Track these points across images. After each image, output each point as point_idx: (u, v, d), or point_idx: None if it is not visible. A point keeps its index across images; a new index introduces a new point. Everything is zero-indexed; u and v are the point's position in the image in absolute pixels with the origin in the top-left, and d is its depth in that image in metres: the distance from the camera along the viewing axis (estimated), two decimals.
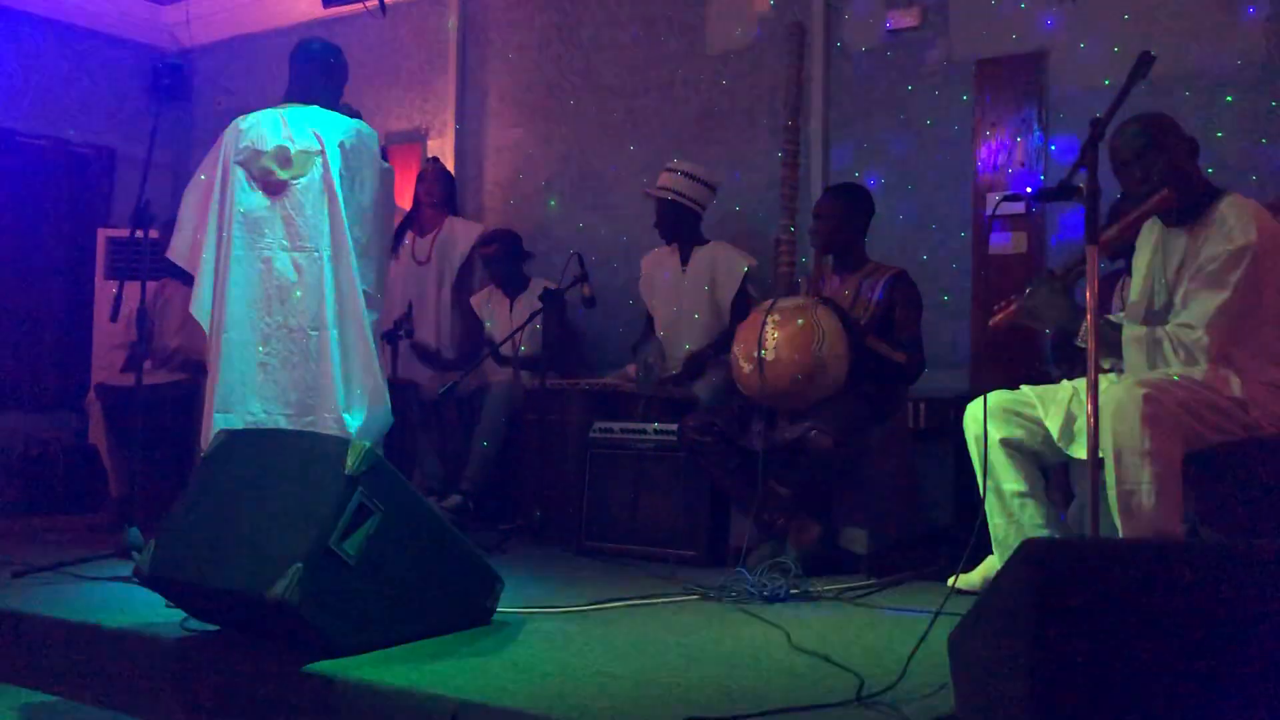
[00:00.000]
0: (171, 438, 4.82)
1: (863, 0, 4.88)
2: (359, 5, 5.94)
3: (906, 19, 4.75)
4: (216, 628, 2.68)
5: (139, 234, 4.01)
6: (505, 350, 4.94)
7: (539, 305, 4.54)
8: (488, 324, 5.24)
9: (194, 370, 4.87)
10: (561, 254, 4.68)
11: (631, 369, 4.70)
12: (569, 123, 5.72)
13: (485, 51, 6.01)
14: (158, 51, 7.01)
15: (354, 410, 3.63)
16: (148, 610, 2.82)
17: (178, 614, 2.73)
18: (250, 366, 3.63)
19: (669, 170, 4.69)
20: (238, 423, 3.56)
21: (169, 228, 5.21)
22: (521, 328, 4.72)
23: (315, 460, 2.56)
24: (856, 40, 4.89)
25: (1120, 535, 2.64)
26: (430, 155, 5.82)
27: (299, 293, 3.63)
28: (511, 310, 5.16)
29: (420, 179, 5.47)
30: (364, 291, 3.68)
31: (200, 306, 3.75)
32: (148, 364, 4.73)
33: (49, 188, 6.48)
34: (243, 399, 3.61)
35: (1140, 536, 2.59)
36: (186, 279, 5.12)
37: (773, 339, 3.61)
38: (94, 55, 6.83)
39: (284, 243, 3.66)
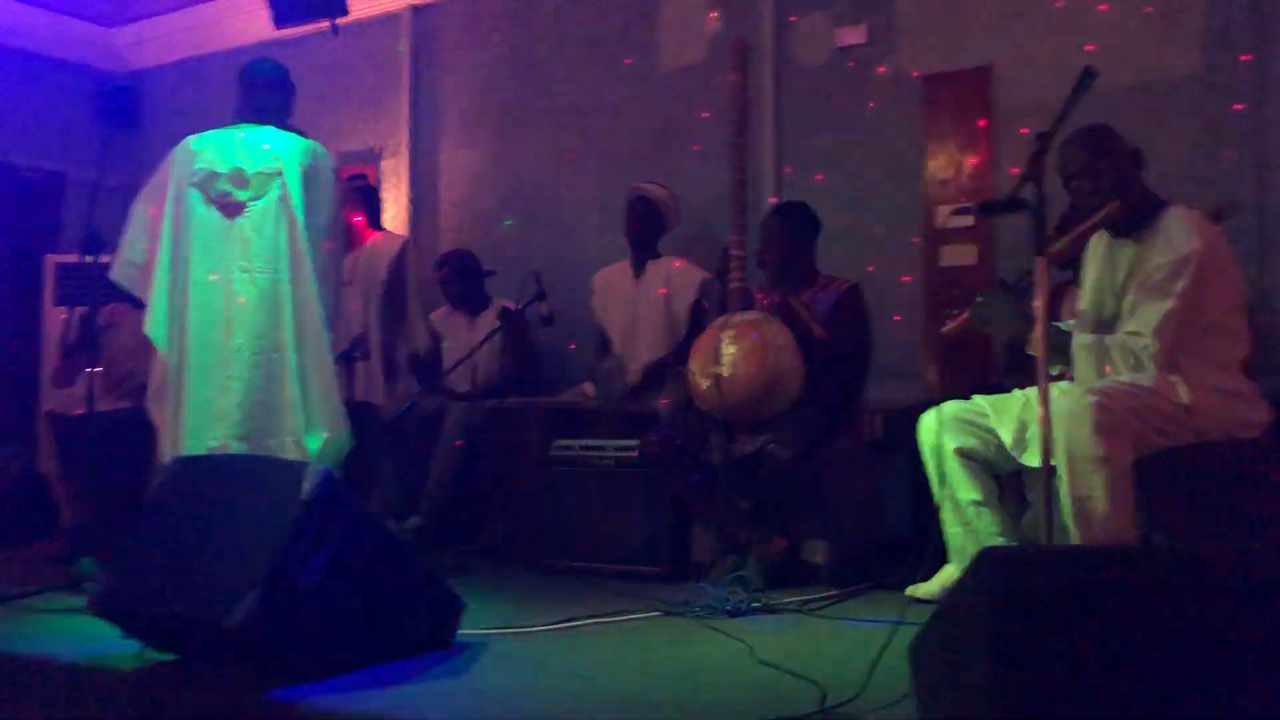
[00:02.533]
0: (123, 465, 4.73)
1: (812, 17, 4.93)
2: (311, 26, 5.92)
3: (855, 36, 4.81)
4: (174, 657, 2.64)
5: (89, 259, 3.95)
6: (464, 370, 4.91)
7: (498, 324, 4.53)
8: (445, 344, 5.22)
9: (144, 396, 4.80)
10: (518, 273, 4.69)
11: (589, 386, 4.71)
12: (523, 142, 5.73)
13: (438, 72, 6.01)
14: (107, 74, 6.94)
15: (314, 433, 3.59)
16: (103, 642, 2.77)
17: (134, 645, 2.69)
18: (212, 390, 3.58)
19: (652, 184, 4.82)
20: (200, 447, 3.52)
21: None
22: (478, 347, 4.70)
23: (271, 486, 2.54)
24: (806, 57, 4.94)
25: (1074, 541, 2.68)
26: (353, 174, 5.73)
27: (259, 315, 3.59)
28: (470, 330, 5.14)
29: (342, 200, 5.37)
30: (323, 312, 3.65)
31: (155, 326, 3.67)
32: (97, 391, 4.66)
33: None
34: (205, 425, 3.56)
35: (1094, 542, 2.63)
36: (136, 303, 5.09)
37: (728, 355, 3.63)
38: (42, 78, 6.74)
39: (243, 264, 3.60)
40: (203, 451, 3.49)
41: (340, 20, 5.67)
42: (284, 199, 3.62)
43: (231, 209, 3.63)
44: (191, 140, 3.76)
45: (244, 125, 3.75)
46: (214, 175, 3.65)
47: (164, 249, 3.67)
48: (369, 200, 5.36)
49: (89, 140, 6.71)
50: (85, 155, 6.58)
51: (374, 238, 5.21)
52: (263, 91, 3.82)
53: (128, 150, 6.90)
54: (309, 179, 3.66)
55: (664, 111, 5.31)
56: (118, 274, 3.78)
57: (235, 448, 3.51)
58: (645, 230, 4.78)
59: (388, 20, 6.14)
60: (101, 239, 4.02)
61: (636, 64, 5.39)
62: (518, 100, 5.75)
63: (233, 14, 6.44)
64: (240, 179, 3.64)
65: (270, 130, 3.72)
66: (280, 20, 5.78)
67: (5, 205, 6.42)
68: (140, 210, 3.78)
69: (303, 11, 5.75)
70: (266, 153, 3.65)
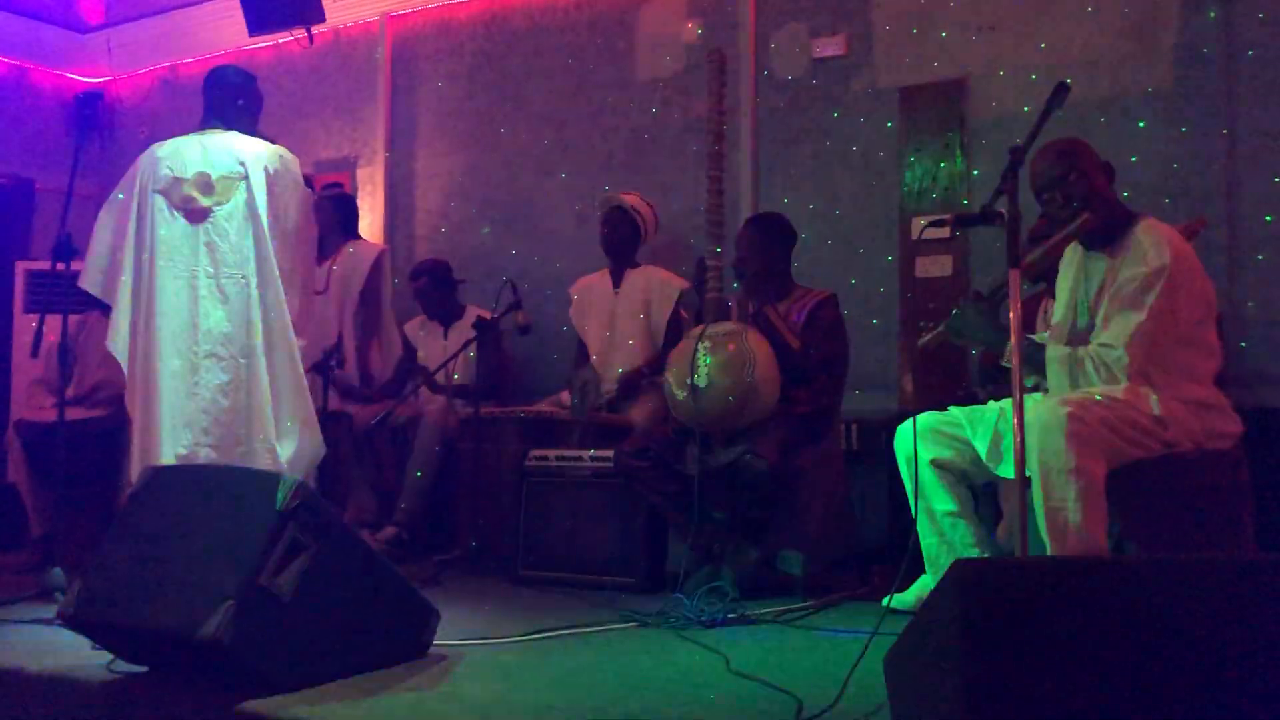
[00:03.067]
0: (94, 475, 4.69)
1: (789, 29, 4.96)
2: (285, 34, 5.90)
3: (832, 47, 4.84)
4: (146, 669, 2.61)
5: (60, 267, 3.92)
6: (438, 379, 4.91)
7: (473, 334, 4.52)
8: (420, 352, 5.21)
9: (116, 405, 4.77)
10: (495, 281, 4.68)
11: (565, 396, 4.71)
12: (500, 150, 5.73)
13: (415, 80, 6.00)
14: (78, 81, 6.89)
15: (285, 440, 3.58)
16: (73, 653, 2.74)
17: (105, 656, 2.66)
18: (181, 398, 3.56)
19: (626, 194, 4.83)
20: (170, 456, 3.49)
21: None
22: (454, 356, 4.70)
23: (245, 496, 2.52)
24: (783, 68, 4.97)
25: (1049, 552, 2.70)
26: (328, 182, 5.71)
27: (227, 321, 3.58)
28: (445, 338, 5.13)
29: (316, 208, 5.36)
30: (291, 317, 3.63)
31: (118, 339, 3.64)
32: (70, 398, 4.62)
33: None
34: (175, 431, 3.54)
35: (1068, 553, 2.65)
36: (107, 312, 5.04)
37: (705, 365, 3.64)
38: (11, 85, 6.70)
39: (209, 270, 3.60)
40: (173, 459, 3.47)
41: (316, 29, 5.66)
42: (249, 203, 3.61)
43: (196, 215, 3.63)
44: (156, 147, 3.75)
45: (209, 131, 3.74)
46: (178, 181, 3.64)
47: (129, 257, 3.65)
48: (345, 209, 5.34)
49: (60, 147, 6.70)
50: (56, 162, 6.57)
51: (350, 246, 5.19)
52: (227, 97, 3.82)
53: (100, 157, 6.87)
54: (274, 183, 3.65)
55: (640, 121, 5.32)
56: (86, 282, 3.76)
57: (205, 455, 3.49)
58: (622, 241, 4.79)
59: (364, 29, 6.13)
60: (73, 246, 3.98)
61: (613, 73, 5.41)
62: (493, 109, 5.75)
63: (206, 22, 6.41)
64: (205, 184, 3.62)
65: (235, 135, 3.72)
66: (254, 28, 5.77)
67: None
68: (105, 218, 3.76)
69: (277, 20, 5.74)
70: (231, 158, 3.65)
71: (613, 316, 4.77)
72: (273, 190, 3.65)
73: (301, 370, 3.65)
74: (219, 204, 3.62)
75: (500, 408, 4.70)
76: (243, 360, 3.57)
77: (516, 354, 5.28)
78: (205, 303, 3.58)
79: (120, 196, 3.74)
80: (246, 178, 3.62)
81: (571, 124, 5.52)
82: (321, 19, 5.74)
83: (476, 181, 5.79)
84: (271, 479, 2.50)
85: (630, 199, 4.81)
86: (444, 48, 5.92)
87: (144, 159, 3.74)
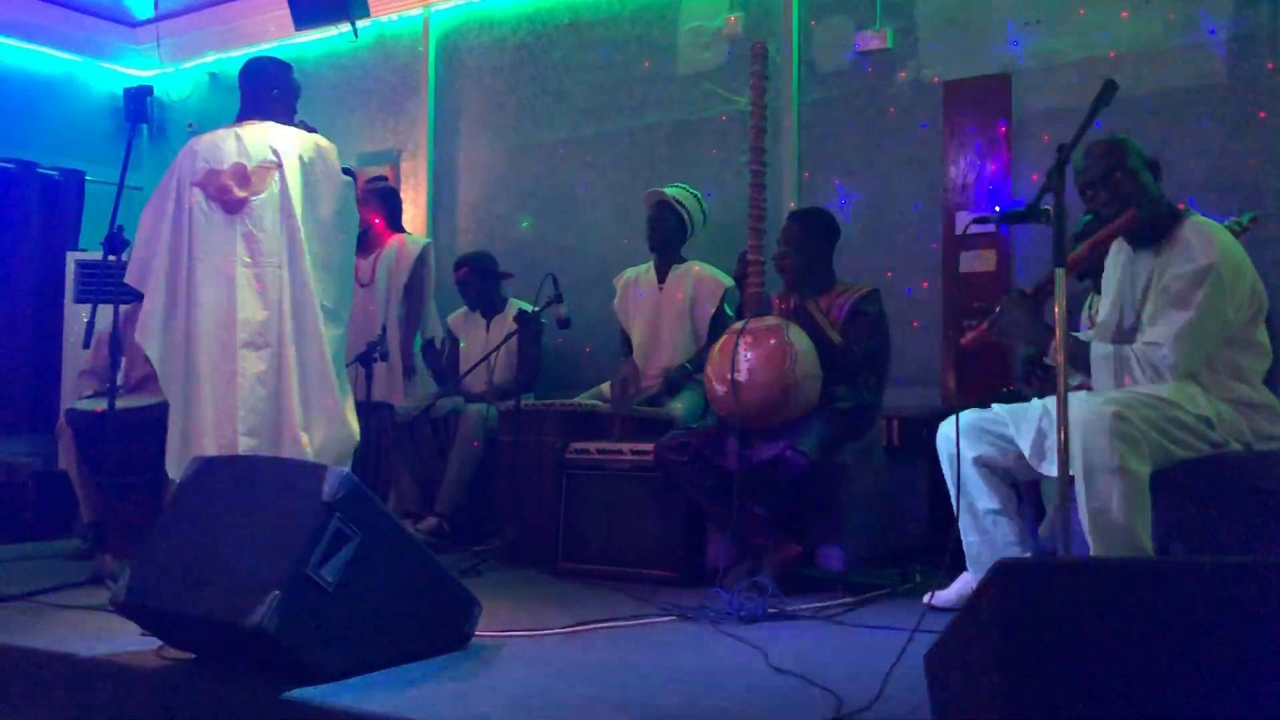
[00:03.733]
0: (143, 463, 4.76)
1: (832, 23, 4.94)
2: (330, 28, 5.96)
3: (875, 41, 4.81)
4: (193, 655, 2.66)
5: (111, 258, 3.98)
6: (480, 371, 4.93)
7: (514, 327, 4.55)
8: (463, 344, 5.25)
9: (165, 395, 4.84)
10: (536, 274, 4.70)
11: (606, 389, 4.72)
12: (542, 144, 5.75)
13: (457, 73, 6.03)
14: (129, 75, 6.99)
15: (312, 430, 3.59)
16: (123, 639, 2.80)
17: (154, 642, 2.72)
18: (222, 388, 3.60)
19: (674, 186, 4.82)
20: (211, 446, 3.54)
21: None
22: (495, 349, 4.73)
23: (292, 486, 2.56)
24: (826, 62, 4.95)
25: (1092, 552, 2.67)
26: (373, 175, 5.77)
27: (263, 310, 3.60)
28: (487, 331, 5.16)
29: (361, 201, 5.42)
30: (323, 307, 3.64)
31: (149, 332, 3.68)
32: (120, 389, 4.69)
33: (17, 212, 6.42)
34: (217, 421, 3.59)
35: (1111, 553, 2.62)
36: None
37: (745, 360, 3.63)
38: (63, 79, 6.81)
39: (245, 259, 3.63)
40: (214, 449, 3.51)
41: (360, 22, 5.71)
42: (283, 192, 3.63)
43: (233, 206, 3.65)
44: (194, 141, 3.80)
45: (246, 123, 3.77)
46: (215, 173, 3.67)
47: (165, 251, 3.70)
48: (389, 202, 5.38)
49: (110, 140, 6.81)
50: (106, 155, 6.67)
51: (395, 240, 5.24)
52: (263, 88, 3.84)
53: (148, 150, 6.98)
54: (309, 172, 3.67)
55: (682, 114, 5.32)
56: (130, 277, 3.81)
57: (244, 444, 3.52)
58: (668, 236, 4.77)
59: (407, 23, 6.17)
60: (123, 238, 4.05)
61: (655, 66, 5.41)
62: (535, 102, 5.77)
63: (252, 16, 6.48)
64: (241, 176, 3.65)
65: (270, 126, 3.74)
66: (300, 22, 5.83)
67: (27, 204, 6.46)
68: (148, 215, 3.81)
69: (322, 14, 5.79)
70: (266, 148, 3.67)
71: (657, 313, 4.77)
72: (307, 179, 3.67)
73: (330, 360, 3.65)
74: (254, 194, 3.64)
75: (541, 400, 4.73)
76: (275, 350, 3.59)
77: (557, 347, 5.31)
78: (243, 292, 3.61)
79: (161, 192, 3.79)
80: (280, 166, 3.64)
81: (613, 117, 5.53)
82: (366, 13, 5.79)
83: (518, 174, 5.82)
84: (318, 470, 2.54)
85: (676, 192, 4.80)
86: (486, 41, 5.95)
87: (183, 153, 3.79)
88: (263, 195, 3.64)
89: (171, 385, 3.68)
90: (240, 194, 3.64)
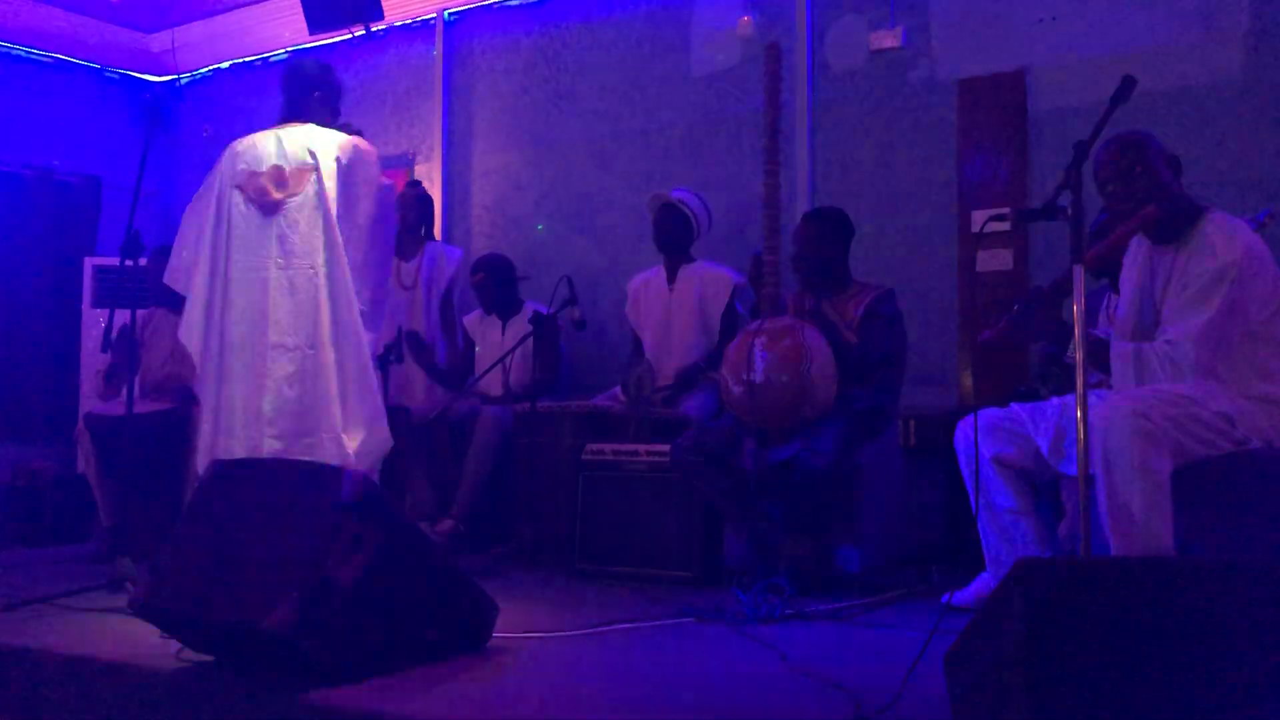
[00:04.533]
0: (161, 467, 4.79)
1: (845, 22, 4.92)
2: (345, 32, 5.97)
3: (889, 40, 4.79)
4: (212, 658, 2.67)
5: (128, 263, 4.00)
6: (496, 374, 4.94)
7: (530, 329, 4.56)
8: (478, 347, 5.26)
9: (182, 398, 4.86)
10: (551, 277, 4.70)
11: (621, 390, 4.72)
12: (555, 146, 5.75)
13: (471, 76, 6.04)
14: (144, 80, 7.03)
15: (351, 432, 3.57)
16: (141, 642, 2.80)
17: (173, 645, 2.72)
18: (250, 390, 3.58)
19: (678, 190, 4.82)
20: (240, 448, 3.53)
21: (158, 257, 5.23)
22: (511, 351, 4.73)
23: (309, 489, 2.56)
24: (839, 61, 4.93)
25: (1112, 551, 2.66)
26: (411, 180, 5.81)
27: (296, 312, 3.58)
28: (503, 333, 5.17)
29: (400, 206, 5.46)
30: (360, 309, 3.62)
31: (191, 332, 3.71)
32: (136, 393, 4.71)
33: (34, 217, 6.46)
34: (245, 423, 3.58)
35: (1132, 552, 2.61)
36: (175, 307, 5.14)
37: (761, 362, 3.62)
38: (79, 84, 6.85)
39: (279, 260, 3.61)
40: (242, 451, 3.51)
41: (374, 26, 5.73)
42: (320, 194, 3.61)
43: (269, 207, 3.65)
44: (236, 143, 3.80)
45: (285, 124, 3.77)
46: (254, 175, 3.67)
47: (206, 252, 3.71)
48: (428, 208, 5.46)
49: (125, 145, 6.84)
50: (123, 159, 6.70)
51: (431, 246, 5.33)
52: (304, 90, 3.82)
53: (164, 155, 7.00)
54: (346, 174, 3.65)
55: (696, 115, 5.31)
56: (170, 279, 3.82)
57: (271, 446, 3.52)
58: (674, 238, 4.78)
59: (420, 26, 6.18)
60: (140, 242, 4.06)
61: (668, 68, 5.40)
62: (549, 104, 5.77)
63: (267, 20, 6.50)
64: (279, 177, 3.65)
65: (309, 128, 3.73)
66: (314, 26, 5.85)
67: (44, 209, 6.50)
68: (189, 216, 3.82)
69: (337, 17, 5.82)
70: (303, 149, 3.66)
71: (668, 313, 4.77)
72: (344, 181, 3.64)
73: (370, 361, 3.65)
74: (291, 196, 3.63)
75: (557, 402, 4.73)
76: (310, 351, 3.57)
77: (572, 349, 5.31)
78: (276, 294, 3.60)
79: (203, 194, 3.80)
80: (318, 169, 3.63)
81: (627, 119, 5.53)
82: (380, 16, 5.81)
83: (532, 177, 5.82)
84: (336, 473, 2.54)
85: (681, 195, 4.80)
86: (500, 44, 5.96)
87: (224, 155, 3.79)
88: (299, 197, 3.62)
89: (206, 386, 3.68)
90: (277, 195, 3.63)
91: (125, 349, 4.10)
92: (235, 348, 3.62)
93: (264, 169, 3.67)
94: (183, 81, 7.04)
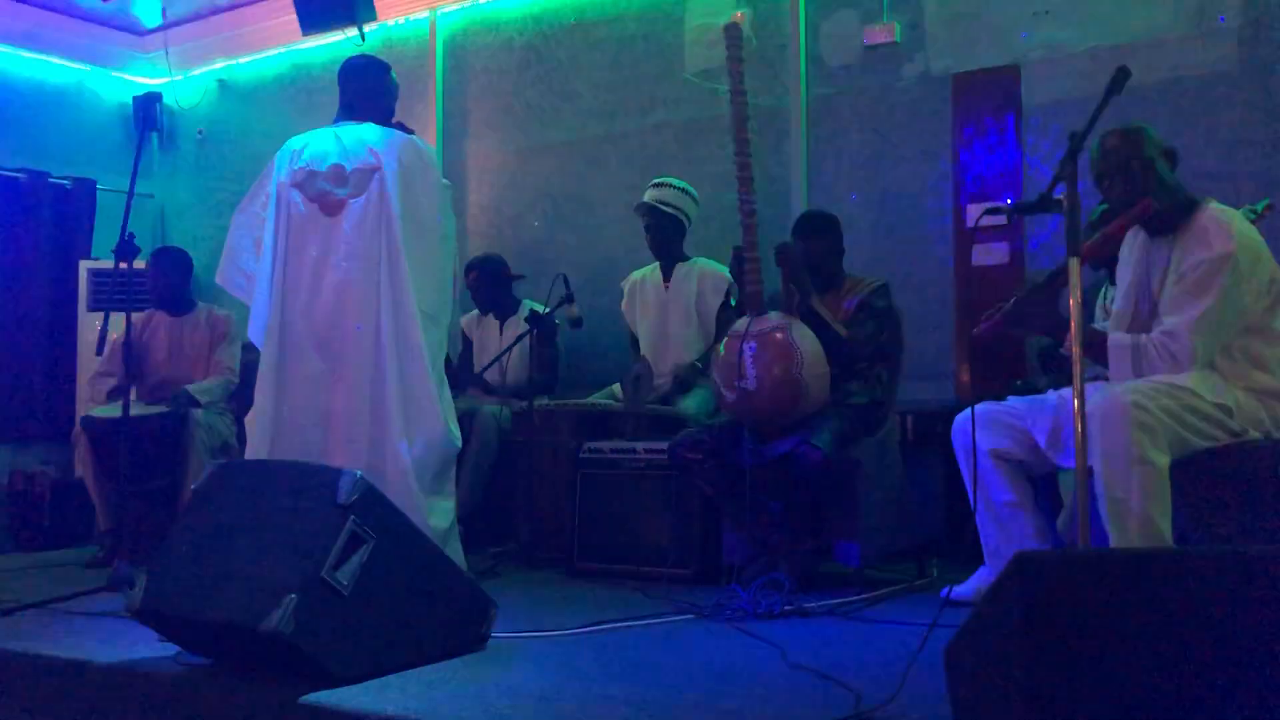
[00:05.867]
0: (158, 469, 4.79)
1: (839, 17, 4.92)
2: (338, 32, 5.96)
3: (883, 35, 4.79)
4: (211, 661, 2.67)
5: (123, 265, 3.99)
6: (493, 373, 4.94)
7: (527, 328, 4.55)
8: (475, 346, 5.25)
9: (180, 401, 4.85)
10: (547, 275, 4.70)
11: (618, 388, 4.71)
12: (550, 145, 5.74)
13: (465, 75, 6.04)
14: (138, 83, 7.02)
15: (412, 438, 3.48)
16: (140, 645, 2.80)
17: (172, 649, 2.72)
18: (313, 396, 3.53)
19: (655, 186, 4.74)
20: (302, 453, 3.44)
21: (155, 259, 5.23)
22: (507, 350, 4.73)
23: (307, 490, 2.56)
24: (834, 57, 4.93)
25: (1111, 543, 2.66)
26: None
27: (359, 315, 3.53)
28: (501, 333, 5.16)
29: None
30: (422, 311, 3.55)
31: (260, 333, 3.65)
32: (134, 395, 4.71)
33: (29, 221, 6.45)
34: (304, 429, 3.51)
35: (1130, 544, 2.61)
36: (172, 310, 5.14)
37: (752, 366, 3.59)
38: (73, 88, 6.83)
39: (343, 263, 3.56)
40: (297, 454, 3.42)
41: (368, 26, 5.72)
42: (382, 195, 3.56)
43: (331, 207, 3.60)
44: (292, 141, 3.74)
45: (343, 123, 3.72)
46: (314, 174, 3.62)
47: (267, 252, 3.65)
48: None
49: (120, 148, 6.83)
50: (117, 163, 6.70)
51: None
52: (361, 88, 3.78)
53: (159, 157, 7.00)
54: (408, 175, 3.60)
55: (689, 112, 5.31)
56: (224, 279, 3.79)
57: (332, 454, 3.43)
58: (666, 239, 4.73)
59: (413, 26, 6.17)
60: (135, 245, 4.05)
61: (661, 65, 5.40)
62: (543, 103, 5.77)
63: (260, 22, 6.49)
64: (340, 176, 3.60)
65: (369, 127, 3.68)
66: (307, 27, 5.83)
67: (39, 213, 6.49)
68: (241, 216, 3.78)
69: (329, 18, 5.80)
70: (364, 149, 3.61)
71: (664, 312, 4.75)
72: (406, 181, 3.59)
73: (429, 366, 3.55)
74: (353, 196, 3.58)
75: (555, 400, 4.73)
76: (371, 356, 3.51)
77: (569, 347, 5.31)
78: (339, 296, 3.54)
79: (255, 194, 3.76)
80: (380, 169, 3.58)
81: (621, 116, 5.52)
82: (373, 17, 5.80)
83: (527, 175, 5.82)
84: (333, 473, 2.54)
85: (666, 196, 4.70)
86: (493, 43, 5.95)
87: (279, 154, 3.74)
88: (361, 198, 3.58)
89: (264, 391, 3.60)
90: (339, 195, 3.59)
91: (127, 359, 4.10)
92: (297, 355, 3.55)
93: (324, 168, 3.62)
94: (176, 83, 7.02)
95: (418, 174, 3.65)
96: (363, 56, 3.97)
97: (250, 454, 3.57)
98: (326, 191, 3.60)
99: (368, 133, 3.67)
